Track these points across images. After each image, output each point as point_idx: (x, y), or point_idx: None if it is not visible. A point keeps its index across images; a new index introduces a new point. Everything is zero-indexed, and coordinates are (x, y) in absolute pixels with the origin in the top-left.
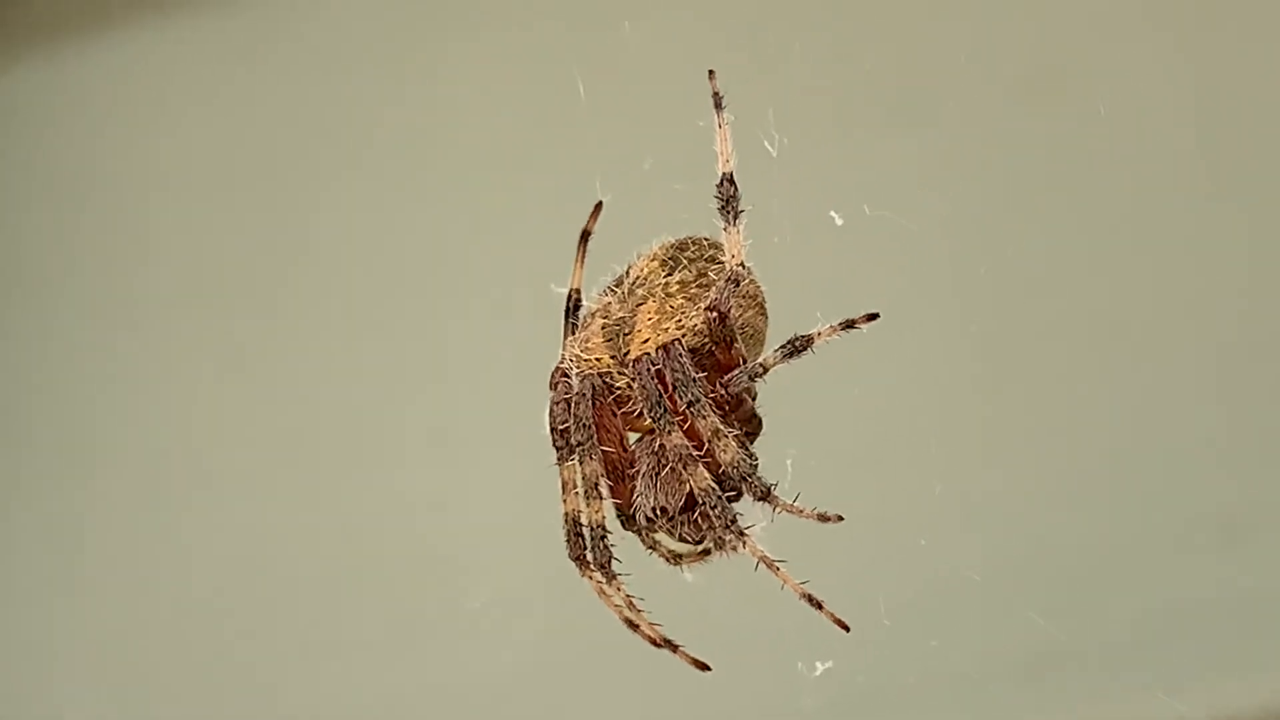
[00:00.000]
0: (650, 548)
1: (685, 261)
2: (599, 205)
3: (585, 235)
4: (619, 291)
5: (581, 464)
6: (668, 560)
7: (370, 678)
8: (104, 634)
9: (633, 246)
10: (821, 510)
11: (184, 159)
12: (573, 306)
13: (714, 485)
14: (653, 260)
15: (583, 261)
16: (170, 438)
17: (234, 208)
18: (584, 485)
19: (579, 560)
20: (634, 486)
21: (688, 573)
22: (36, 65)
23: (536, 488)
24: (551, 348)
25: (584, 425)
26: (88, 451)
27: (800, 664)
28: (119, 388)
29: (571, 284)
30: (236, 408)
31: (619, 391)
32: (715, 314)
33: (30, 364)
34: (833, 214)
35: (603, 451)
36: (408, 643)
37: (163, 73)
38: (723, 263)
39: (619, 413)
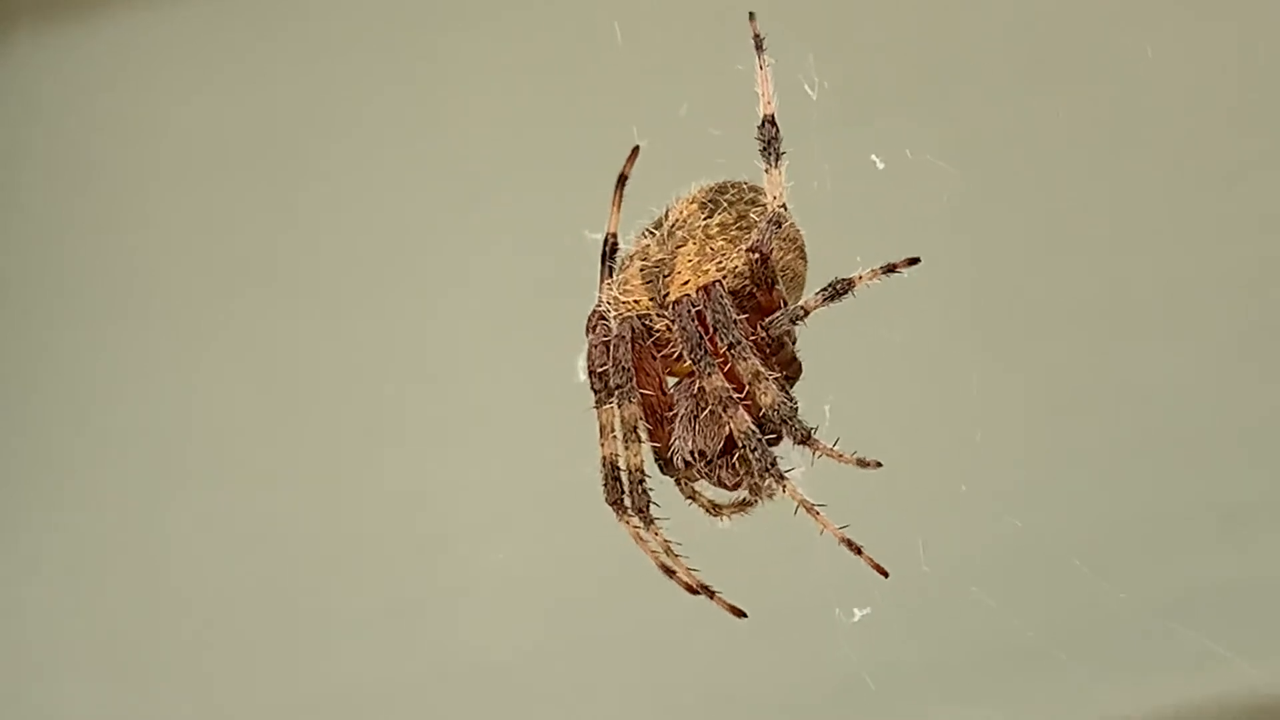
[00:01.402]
0: (690, 498)
1: (725, 204)
2: (635, 150)
3: (622, 180)
4: (658, 234)
5: (620, 407)
6: (708, 510)
7: (369, 669)
8: (105, 627)
9: (669, 192)
10: (861, 455)
11: (184, 143)
12: (609, 251)
13: (754, 428)
14: (692, 203)
15: (619, 206)
16: (168, 427)
17: (240, 190)
18: (622, 429)
19: (616, 505)
20: (672, 430)
21: (723, 521)
22: (34, 49)
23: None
24: (588, 297)
25: (623, 368)
26: (83, 443)
27: (838, 610)
28: (115, 376)
29: (608, 229)
30: (237, 391)
31: (658, 334)
32: (757, 255)
33: (25, 355)
34: (874, 158)
35: (641, 394)
36: (408, 634)
37: (163, 55)
38: (762, 205)
39: (658, 355)
